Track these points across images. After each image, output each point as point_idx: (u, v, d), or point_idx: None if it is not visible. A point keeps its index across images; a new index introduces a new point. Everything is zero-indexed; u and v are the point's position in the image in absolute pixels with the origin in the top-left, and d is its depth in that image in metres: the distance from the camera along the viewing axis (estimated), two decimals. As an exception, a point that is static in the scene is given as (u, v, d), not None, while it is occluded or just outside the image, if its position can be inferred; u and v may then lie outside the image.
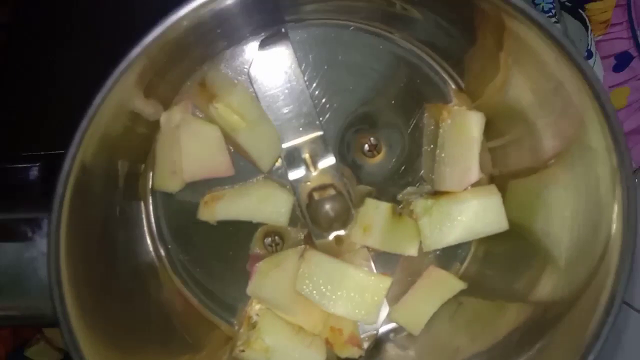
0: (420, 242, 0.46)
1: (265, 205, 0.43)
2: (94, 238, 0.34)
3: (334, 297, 0.43)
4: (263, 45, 0.43)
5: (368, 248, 0.47)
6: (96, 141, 0.35)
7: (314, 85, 0.46)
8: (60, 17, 0.58)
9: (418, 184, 0.48)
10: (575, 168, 0.39)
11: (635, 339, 0.66)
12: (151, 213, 0.46)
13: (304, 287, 0.43)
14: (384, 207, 0.45)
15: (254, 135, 0.42)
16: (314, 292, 0.43)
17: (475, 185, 0.46)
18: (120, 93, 0.36)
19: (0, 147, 0.50)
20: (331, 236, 0.47)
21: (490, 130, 0.45)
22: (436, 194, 0.47)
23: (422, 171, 0.48)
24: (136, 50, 0.35)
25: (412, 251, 0.46)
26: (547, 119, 0.40)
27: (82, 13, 0.58)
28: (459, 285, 0.48)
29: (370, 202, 0.45)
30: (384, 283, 0.44)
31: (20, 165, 0.48)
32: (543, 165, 0.43)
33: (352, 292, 0.43)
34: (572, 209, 0.41)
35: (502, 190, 0.45)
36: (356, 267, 0.44)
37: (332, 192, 0.44)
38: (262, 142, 0.42)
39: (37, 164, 0.48)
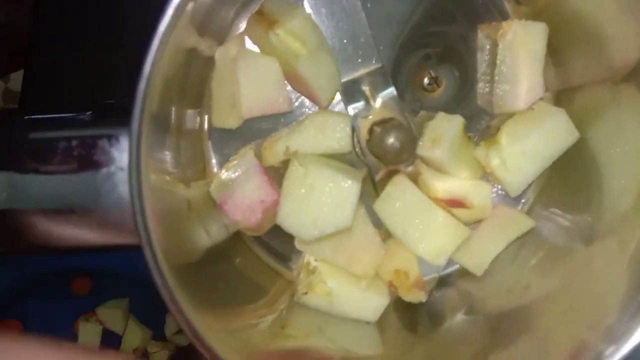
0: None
1: (323, 133, 0.42)
2: (167, 158, 0.33)
3: (409, 229, 0.42)
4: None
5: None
6: (159, 81, 0.34)
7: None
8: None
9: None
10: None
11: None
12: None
13: (383, 208, 0.43)
14: (457, 119, 0.43)
15: (314, 63, 0.40)
16: (391, 217, 0.42)
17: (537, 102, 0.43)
18: (177, 31, 0.35)
19: (50, 97, 0.50)
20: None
21: (549, 43, 0.42)
22: (493, 129, 0.46)
23: (478, 99, 0.46)
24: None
25: (474, 177, 0.44)
26: (621, 27, 0.38)
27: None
28: (528, 224, 0.46)
29: (442, 115, 0.43)
30: (463, 233, 0.43)
31: (70, 115, 0.47)
32: (613, 80, 0.40)
33: (429, 231, 0.42)
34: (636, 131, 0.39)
35: (566, 105, 0.44)
36: (442, 208, 0.42)
37: (394, 123, 0.43)
38: (322, 72, 0.40)
39: (88, 113, 0.47)
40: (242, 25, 0.43)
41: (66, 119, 0.45)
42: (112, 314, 0.66)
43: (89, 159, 0.29)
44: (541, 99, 0.46)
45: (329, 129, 0.42)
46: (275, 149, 0.43)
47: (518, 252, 0.48)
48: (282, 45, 0.40)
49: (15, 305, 0.64)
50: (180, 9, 0.33)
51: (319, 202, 0.40)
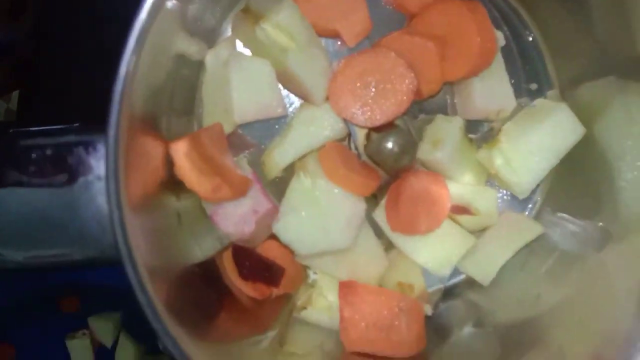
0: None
1: (314, 126, 0.40)
2: (156, 169, 0.31)
3: (411, 238, 0.40)
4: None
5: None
6: (141, 84, 0.32)
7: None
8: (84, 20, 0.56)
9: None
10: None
11: None
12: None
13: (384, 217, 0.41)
14: (457, 120, 0.41)
15: (305, 58, 0.38)
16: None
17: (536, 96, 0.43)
18: (159, 28, 0.33)
19: (38, 119, 0.48)
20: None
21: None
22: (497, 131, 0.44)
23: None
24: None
25: (478, 181, 0.42)
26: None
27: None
28: (536, 230, 0.44)
29: (442, 117, 0.42)
30: (468, 242, 0.41)
31: (57, 127, 0.45)
32: (613, 71, 0.39)
33: (432, 239, 0.40)
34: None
35: (571, 101, 0.42)
36: (450, 220, 0.41)
37: (392, 127, 0.40)
38: (314, 67, 0.38)
39: (75, 125, 0.45)
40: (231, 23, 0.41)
41: (51, 130, 0.44)
42: (102, 326, 0.64)
43: (64, 169, 0.27)
44: (544, 97, 0.44)
45: (317, 120, 0.40)
46: (274, 160, 0.41)
47: (526, 260, 0.46)
48: (269, 41, 0.38)
49: (7, 328, 0.62)
50: (156, 7, 0.31)
51: (324, 219, 0.38)
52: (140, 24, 0.29)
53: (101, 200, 0.25)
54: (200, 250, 0.41)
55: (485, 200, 0.42)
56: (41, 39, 0.57)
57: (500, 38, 0.41)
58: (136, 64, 0.27)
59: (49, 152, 0.27)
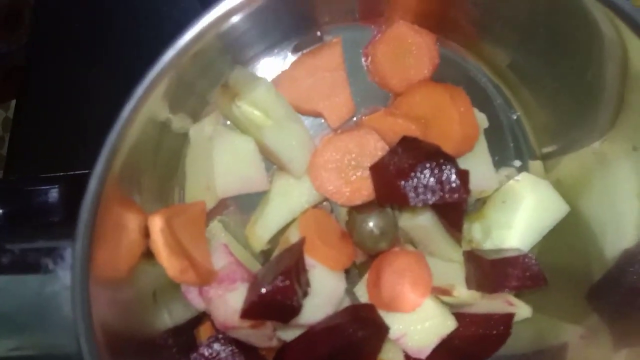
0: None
1: (290, 196, 0.39)
2: (122, 268, 0.31)
3: (391, 316, 0.39)
4: (297, 49, 0.40)
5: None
6: (124, 157, 0.32)
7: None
8: (77, 39, 0.57)
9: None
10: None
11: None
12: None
13: (365, 293, 0.41)
14: None
15: (282, 134, 0.38)
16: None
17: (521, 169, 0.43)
18: (150, 106, 0.33)
19: (20, 169, 0.48)
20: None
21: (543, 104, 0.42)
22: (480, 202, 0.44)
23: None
24: (164, 61, 0.32)
25: (455, 256, 0.42)
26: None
27: (99, 34, 0.57)
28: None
29: None
30: (449, 325, 0.40)
31: (40, 188, 0.45)
32: (598, 141, 0.39)
33: (415, 320, 0.39)
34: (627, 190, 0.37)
35: (554, 173, 0.43)
36: (433, 298, 0.40)
37: (374, 207, 0.40)
38: (291, 142, 0.38)
39: (57, 186, 0.45)
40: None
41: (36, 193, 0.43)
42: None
43: (30, 279, 0.26)
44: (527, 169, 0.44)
45: (294, 190, 0.40)
46: (257, 234, 0.40)
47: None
48: (245, 118, 0.38)
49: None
50: (154, 84, 0.32)
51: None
52: (129, 109, 0.29)
53: (68, 309, 0.24)
54: (173, 321, 0.40)
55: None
56: (34, 53, 0.57)
57: (483, 120, 0.42)
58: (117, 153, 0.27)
59: (16, 259, 0.26)
